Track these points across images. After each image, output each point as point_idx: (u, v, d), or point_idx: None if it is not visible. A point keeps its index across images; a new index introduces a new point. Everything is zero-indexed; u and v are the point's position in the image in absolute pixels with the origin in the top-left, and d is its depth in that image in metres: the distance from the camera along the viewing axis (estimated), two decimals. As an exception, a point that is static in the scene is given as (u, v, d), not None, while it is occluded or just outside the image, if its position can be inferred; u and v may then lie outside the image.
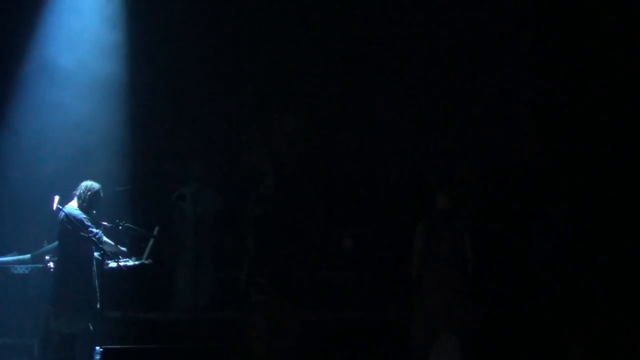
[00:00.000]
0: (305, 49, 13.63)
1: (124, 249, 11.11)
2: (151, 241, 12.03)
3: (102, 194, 10.97)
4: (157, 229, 12.20)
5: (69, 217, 10.62)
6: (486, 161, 13.32)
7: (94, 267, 10.85)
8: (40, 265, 11.52)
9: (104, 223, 11.05)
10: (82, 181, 10.97)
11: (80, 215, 10.67)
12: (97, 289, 10.79)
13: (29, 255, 11.75)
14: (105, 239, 10.79)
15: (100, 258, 10.70)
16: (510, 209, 12.85)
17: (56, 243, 11.08)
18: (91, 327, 10.77)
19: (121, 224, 11.34)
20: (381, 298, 12.64)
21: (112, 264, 11.00)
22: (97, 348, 10.30)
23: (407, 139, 13.65)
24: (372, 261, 12.89)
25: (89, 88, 12.82)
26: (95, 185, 10.92)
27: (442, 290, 11.31)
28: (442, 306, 11.30)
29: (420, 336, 11.41)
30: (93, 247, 10.75)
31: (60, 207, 10.62)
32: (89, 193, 10.87)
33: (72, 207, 10.84)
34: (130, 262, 11.43)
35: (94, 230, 10.69)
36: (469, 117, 13.48)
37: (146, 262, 11.78)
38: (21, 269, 11.66)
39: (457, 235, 11.44)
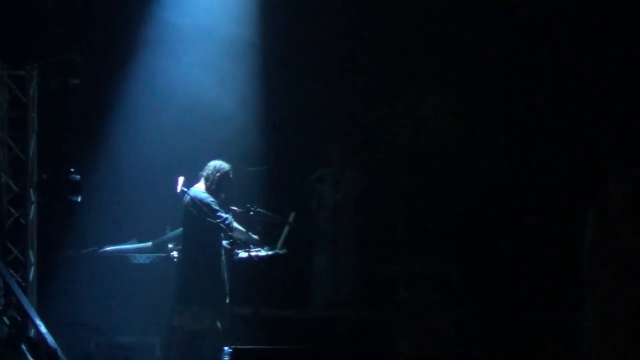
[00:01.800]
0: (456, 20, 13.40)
1: (255, 237, 10.92)
2: (286, 228, 11.90)
3: (232, 175, 10.74)
4: (292, 215, 12.07)
5: (195, 201, 10.47)
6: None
7: (223, 257, 10.76)
8: (163, 255, 11.62)
9: (233, 208, 10.87)
10: (209, 160, 10.77)
11: (208, 198, 10.48)
12: (226, 282, 10.72)
13: (150, 243, 11.85)
14: (235, 225, 10.61)
15: (229, 247, 10.59)
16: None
17: (180, 230, 11.02)
18: (219, 324, 10.73)
19: (253, 208, 11.10)
20: (551, 296, 12.09)
21: (243, 254, 10.88)
22: (226, 348, 9.93)
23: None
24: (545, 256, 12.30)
25: (218, 60, 12.96)
26: (225, 165, 10.71)
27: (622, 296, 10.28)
28: (622, 315, 10.31)
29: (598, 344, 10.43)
30: (221, 235, 10.58)
31: (185, 189, 10.48)
32: (217, 174, 10.67)
33: (199, 189, 10.67)
34: (263, 252, 11.34)
35: (223, 215, 10.50)
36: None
37: (280, 252, 11.71)
38: (141, 259, 11.77)
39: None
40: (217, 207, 10.47)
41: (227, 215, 10.53)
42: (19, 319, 10.63)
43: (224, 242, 10.66)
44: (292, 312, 12.45)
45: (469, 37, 13.25)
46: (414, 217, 13.06)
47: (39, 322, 10.06)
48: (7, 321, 10.69)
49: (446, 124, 13.45)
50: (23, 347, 9.95)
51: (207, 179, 10.66)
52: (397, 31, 13.43)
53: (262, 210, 11.23)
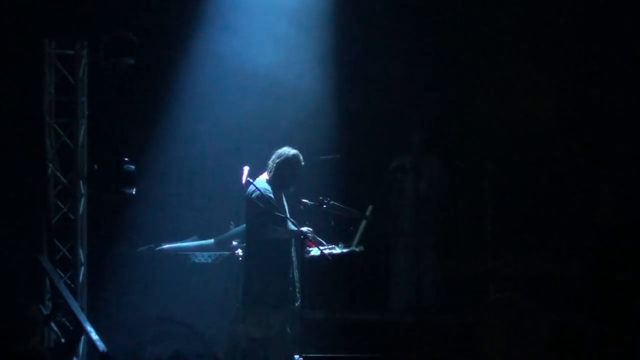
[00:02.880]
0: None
1: (304, 233, 10.39)
2: (363, 223, 11.58)
3: (302, 164, 10.41)
4: (370, 208, 11.67)
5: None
6: None
7: (292, 255, 10.44)
8: (227, 253, 11.45)
9: (304, 200, 10.63)
10: (279, 147, 10.50)
11: (256, 192, 10.15)
12: (296, 283, 10.50)
13: (212, 240, 11.66)
14: (275, 228, 10.23)
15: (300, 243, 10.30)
16: None
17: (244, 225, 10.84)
18: (288, 329, 10.55)
19: (326, 201, 10.77)
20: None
21: (314, 252, 10.65)
22: (296, 356, 10.17)
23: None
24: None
25: (288, 35, 12.67)
26: (291, 152, 10.44)
27: None
28: None
29: None
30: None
31: (251, 180, 10.16)
32: (285, 163, 10.35)
33: (264, 179, 10.34)
34: (337, 250, 11.10)
35: (261, 216, 10.18)
36: None
37: (357, 249, 11.42)
38: (203, 257, 11.58)
39: None
40: (261, 203, 10.12)
41: (268, 211, 10.12)
42: (69, 324, 10.31)
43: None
44: (370, 316, 12.35)
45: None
46: (505, 211, 12.57)
47: (89, 328, 9.70)
48: (55, 327, 10.41)
49: (542, 105, 13.09)
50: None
51: (269, 169, 10.36)
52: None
53: (336, 203, 10.95)
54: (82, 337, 10.15)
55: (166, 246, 11.71)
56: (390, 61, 13.24)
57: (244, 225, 10.80)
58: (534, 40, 13.00)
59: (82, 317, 9.90)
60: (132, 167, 10.86)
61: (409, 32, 13.10)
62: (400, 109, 13.36)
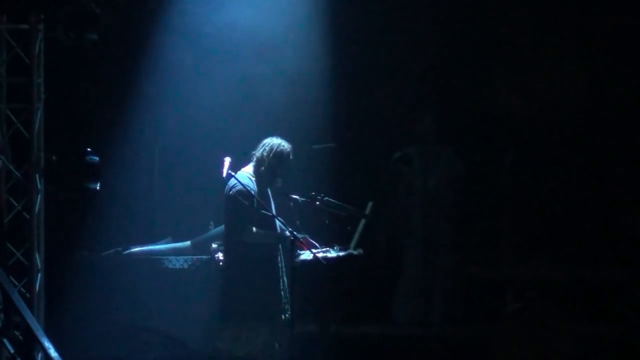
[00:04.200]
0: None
1: (294, 234, 9.92)
2: (362, 223, 11.27)
3: (291, 157, 10.07)
4: (370, 205, 11.39)
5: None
6: None
7: (280, 259, 10.02)
8: (205, 257, 11.20)
9: (294, 196, 10.24)
10: (264, 136, 10.15)
11: (239, 185, 9.70)
12: (284, 292, 10.08)
13: (188, 243, 11.51)
14: (253, 230, 9.85)
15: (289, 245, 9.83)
16: None
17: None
18: (277, 345, 10.10)
19: (319, 197, 10.49)
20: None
21: (306, 255, 10.22)
22: None
23: None
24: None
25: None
26: (284, 144, 10.06)
27: None
28: None
29: None
30: (280, 229, 9.97)
31: (233, 173, 9.74)
32: (272, 154, 9.96)
33: (247, 172, 9.97)
34: (333, 253, 10.68)
35: (239, 214, 9.80)
36: None
37: (355, 252, 11.05)
38: (178, 262, 11.34)
39: None
40: (235, 203, 9.71)
41: (244, 215, 9.69)
42: (23, 339, 9.75)
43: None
44: (370, 329, 12.13)
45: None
46: (525, 208, 12.36)
47: (47, 344, 9.21)
48: (8, 344, 9.84)
49: (572, 87, 12.56)
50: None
51: (258, 161, 9.88)
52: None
53: (331, 200, 10.62)
54: (39, 354, 9.69)
55: (135, 249, 11.52)
56: (395, 35, 12.75)
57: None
58: (563, 7, 12.45)
59: (39, 332, 9.41)
60: (96, 158, 10.53)
61: (416, 3, 12.56)
62: (406, 90, 12.80)
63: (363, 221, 11.25)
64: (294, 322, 9.89)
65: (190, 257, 11.33)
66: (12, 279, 10.19)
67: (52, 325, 10.46)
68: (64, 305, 10.99)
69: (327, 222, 10.73)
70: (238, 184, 9.76)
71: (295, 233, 9.95)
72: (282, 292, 10.03)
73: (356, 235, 11.19)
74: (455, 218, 12.80)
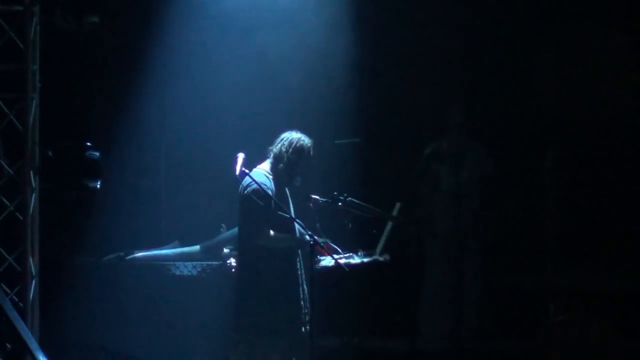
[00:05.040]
0: None
1: (314, 238, 9.51)
2: (388, 226, 10.82)
3: (312, 153, 9.72)
4: (397, 206, 10.88)
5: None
6: None
7: (298, 265, 9.66)
8: (216, 263, 10.96)
9: (314, 197, 9.82)
10: (281, 131, 9.82)
11: (254, 184, 9.37)
12: (303, 301, 9.69)
13: (197, 247, 11.26)
14: (269, 233, 9.56)
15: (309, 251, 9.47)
16: None
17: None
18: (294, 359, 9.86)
19: (342, 198, 10.04)
20: None
21: (327, 262, 9.93)
22: None
23: None
24: None
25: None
26: (303, 139, 9.72)
27: None
28: None
29: None
30: (299, 232, 9.59)
31: (247, 170, 9.37)
32: (290, 150, 9.63)
33: (263, 170, 9.57)
34: (356, 259, 10.34)
35: (254, 216, 9.48)
36: None
37: (381, 259, 10.64)
38: (186, 269, 11.10)
39: None
40: (257, 200, 9.37)
41: (261, 217, 9.32)
42: (15, 353, 9.50)
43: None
44: (396, 343, 11.66)
45: None
46: (567, 212, 11.88)
47: (42, 357, 8.91)
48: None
49: (621, 79, 12.32)
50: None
51: (275, 157, 9.50)
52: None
53: (355, 201, 10.15)
54: (33, 369, 9.20)
55: (139, 254, 11.27)
56: (424, 23, 12.45)
57: (237, 229, 9.90)
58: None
59: (33, 344, 9.08)
60: (96, 154, 10.20)
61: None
62: (436, 83, 12.53)
63: (390, 224, 10.84)
64: (314, 335, 9.51)
65: (199, 262, 11.13)
66: (4, 286, 9.85)
67: (47, 337, 10.04)
68: (60, 316, 10.77)
69: (350, 225, 10.41)
70: (253, 182, 9.36)
71: (315, 237, 9.56)
72: (301, 302, 9.66)
73: (382, 240, 10.80)
74: (485, 221, 12.54)
